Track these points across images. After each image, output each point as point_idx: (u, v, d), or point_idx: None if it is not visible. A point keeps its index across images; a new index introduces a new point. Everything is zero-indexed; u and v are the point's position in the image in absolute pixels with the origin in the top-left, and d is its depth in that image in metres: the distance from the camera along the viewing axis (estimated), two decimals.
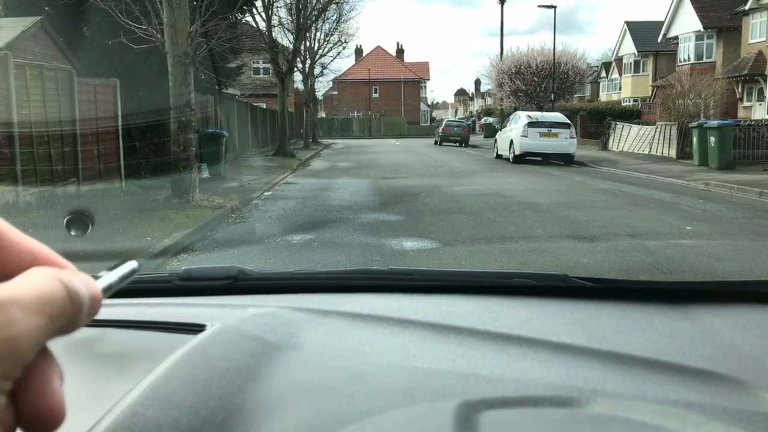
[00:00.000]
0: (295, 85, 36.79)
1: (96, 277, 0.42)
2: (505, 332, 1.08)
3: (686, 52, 33.66)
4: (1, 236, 0.38)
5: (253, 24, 23.70)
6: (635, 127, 25.19)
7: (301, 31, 25.93)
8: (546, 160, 20.83)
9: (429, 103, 79.01)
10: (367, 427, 0.74)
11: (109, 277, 0.43)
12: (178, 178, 10.45)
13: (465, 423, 0.76)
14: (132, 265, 0.45)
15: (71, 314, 0.37)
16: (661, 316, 1.18)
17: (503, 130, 23.52)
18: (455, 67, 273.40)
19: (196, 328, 1.00)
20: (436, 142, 38.68)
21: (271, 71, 30.36)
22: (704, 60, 32.26)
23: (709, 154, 17.52)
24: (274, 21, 25.31)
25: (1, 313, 0.33)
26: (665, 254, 6.68)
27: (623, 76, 44.49)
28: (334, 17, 34.77)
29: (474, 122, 40.97)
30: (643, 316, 1.18)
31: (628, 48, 42.92)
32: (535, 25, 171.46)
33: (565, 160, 20.58)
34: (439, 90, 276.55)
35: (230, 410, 0.74)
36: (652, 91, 37.78)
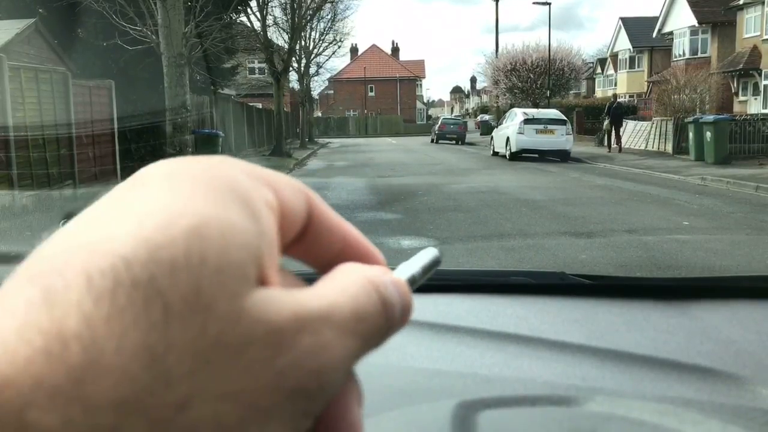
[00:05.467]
0: (290, 85, 36.76)
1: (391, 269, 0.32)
2: (503, 331, 1.08)
3: (681, 47, 33.72)
4: (320, 215, 0.31)
5: (248, 24, 23.64)
6: (631, 123, 25.20)
7: (296, 31, 25.90)
8: (542, 157, 20.82)
9: (425, 101, 79.04)
10: (364, 428, 0.73)
11: (410, 269, 0.32)
12: None
13: (463, 423, 0.75)
14: (432, 253, 0.34)
15: (383, 332, 0.29)
16: (658, 313, 1.18)
17: (499, 127, 23.51)
18: (455, 64, 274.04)
19: None
20: (432, 140, 38.64)
21: (266, 71, 30.33)
22: (699, 55, 32.33)
23: (705, 149, 17.52)
24: (269, 21, 25.30)
25: (310, 335, 0.25)
26: (662, 249, 6.69)
27: (618, 72, 44.53)
28: (329, 16, 34.87)
29: (465, 122, 40.84)
30: (641, 313, 1.17)
31: (623, 44, 42.98)
32: (536, 21, 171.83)
33: (562, 156, 20.57)
34: (438, 88, 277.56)
35: None
36: (648, 86, 37.84)
